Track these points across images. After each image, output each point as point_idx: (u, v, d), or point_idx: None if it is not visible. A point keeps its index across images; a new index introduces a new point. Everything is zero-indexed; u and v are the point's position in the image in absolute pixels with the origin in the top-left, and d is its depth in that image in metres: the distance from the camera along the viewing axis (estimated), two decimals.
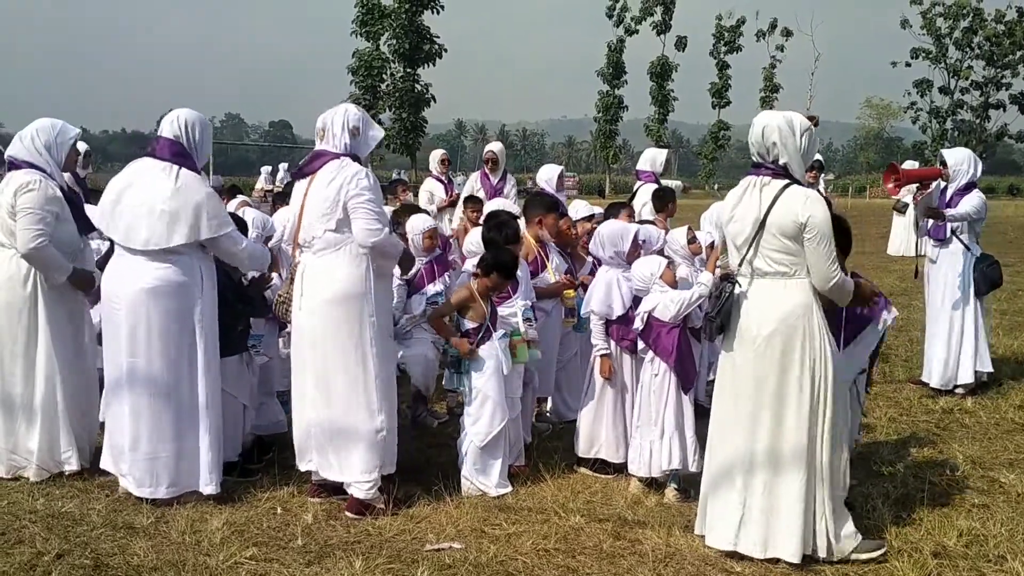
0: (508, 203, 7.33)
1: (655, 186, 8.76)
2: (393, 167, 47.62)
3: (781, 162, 4.10)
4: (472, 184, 9.94)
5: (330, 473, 4.80)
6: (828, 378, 4.09)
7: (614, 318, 5.34)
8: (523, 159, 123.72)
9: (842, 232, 4.34)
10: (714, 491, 4.33)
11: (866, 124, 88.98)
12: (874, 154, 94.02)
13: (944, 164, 7.34)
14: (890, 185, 6.79)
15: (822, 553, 4.11)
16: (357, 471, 4.70)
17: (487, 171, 9.83)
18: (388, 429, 4.76)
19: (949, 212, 7.09)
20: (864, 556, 4.15)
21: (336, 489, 4.86)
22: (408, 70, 43.88)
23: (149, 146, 4.94)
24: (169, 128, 4.84)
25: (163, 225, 4.67)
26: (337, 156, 4.71)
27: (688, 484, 5.01)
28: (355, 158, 4.74)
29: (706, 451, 4.45)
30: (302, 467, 4.92)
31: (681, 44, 60.12)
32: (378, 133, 4.93)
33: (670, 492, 5.00)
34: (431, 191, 10.65)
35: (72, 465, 5.15)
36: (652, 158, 9.30)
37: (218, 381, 4.92)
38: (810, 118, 4.33)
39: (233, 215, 5.34)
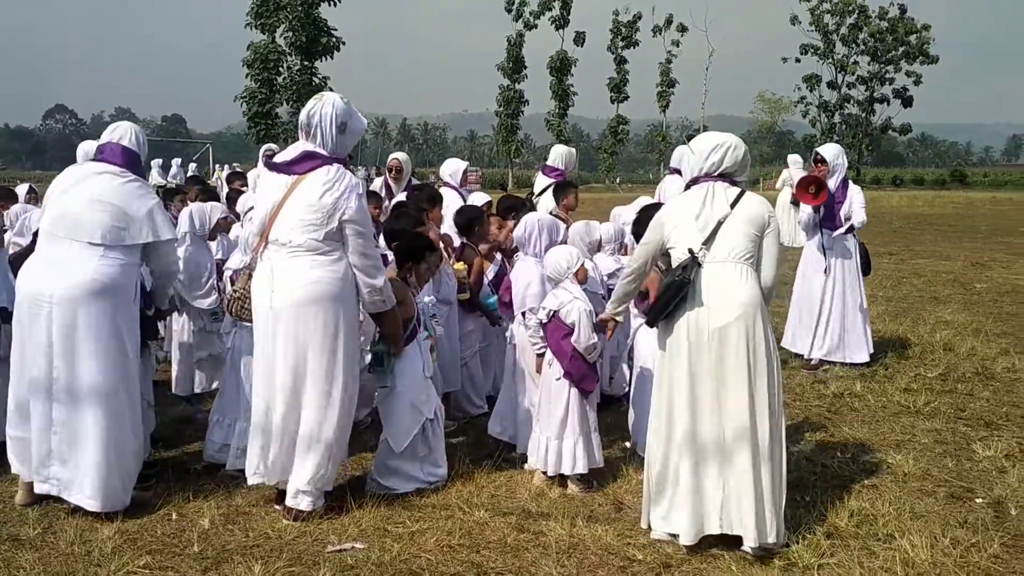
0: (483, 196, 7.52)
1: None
2: None
3: (740, 178, 4.39)
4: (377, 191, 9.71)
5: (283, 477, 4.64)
6: (778, 361, 4.27)
7: None
8: (425, 153, 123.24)
9: None
10: (673, 479, 4.29)
11: (759, 118, 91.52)
12: (767, 147, 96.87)
13: (823, 160, 7.86)
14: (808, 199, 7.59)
15: (772, 538, 4.18)
16: (305, 480, 4.55)
17: (391, 180, 9.50)
18: (341, 439, 4.64)
19: (857, 222, 7.87)
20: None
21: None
22: (305, 63, 43.21)
23: (98, 150, 4.85)
24: (121, 136, 4.83)
25: (118, 221, 4.54)
26: (329, 161, 4.52)
27: (592, 476, 5.05)
28: (342, 161, 4.59)
29: (652, 440, 4.40)
30: (253, 480, 4.67)
31: (579, 39, 60.69)
32: (361, 125, 4.71)
33: (573, 484, 5.03)
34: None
35: None
36: (562, 154, 9.31)
37: (138, 386, 4.77)
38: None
39: None
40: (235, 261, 5.43)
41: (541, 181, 9.03)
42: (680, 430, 4.24)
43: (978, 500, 4.90)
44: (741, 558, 4.16)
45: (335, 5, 42.90)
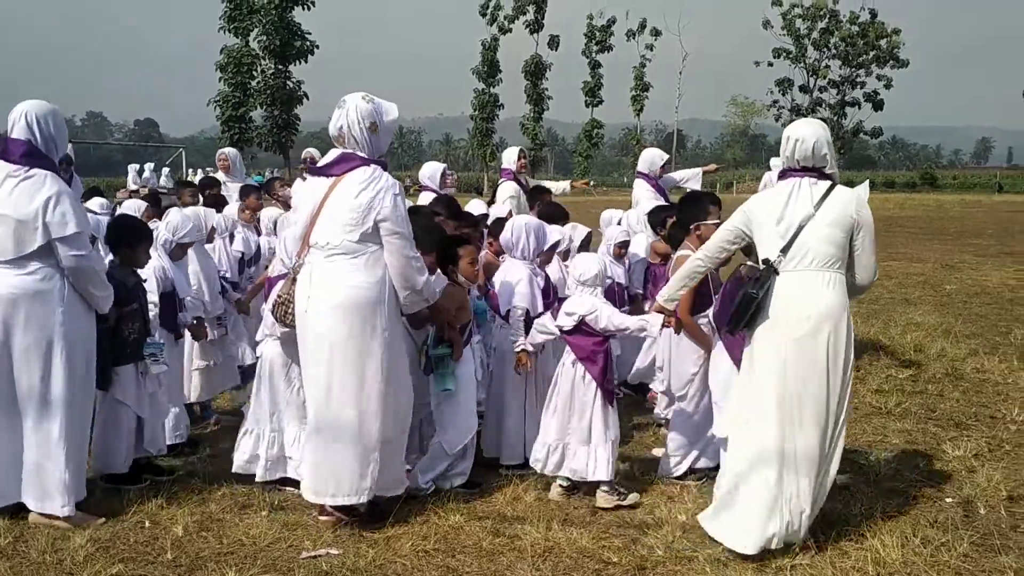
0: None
1: (512, 182, 8.92)
2: (266, 166, 46.53)
3: (829, 170, 4.27)
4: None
5: (308, 492, 4.58)
6: (852, 371, 4.27)
7: (534, 315, 5.32)
8: (400, 157, 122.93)
9: None
10: (746, 490, 4.24)
11: (732, 122, 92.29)
12: (740, 151, 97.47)
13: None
14: None
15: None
16: (346, 487, 4.49)
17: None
18: (383, 445, 4.55)
19: None
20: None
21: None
22: (279, 67, 43.05)
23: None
24: (13, 127, 4.49)
25: (17, 231, 4.38)
26: (366, 162, 4.51)
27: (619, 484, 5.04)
28: (381, 162, 4.58)
29: (730, 450, 4.39)
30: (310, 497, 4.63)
31: (554, 43, 60.78)
32: (392, 117, 4.64)
33: (603, 494, 4.91)
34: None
35: None
36: (507, 155, 9.43)
37: (87, 394, 4.70)
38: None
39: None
40: (276, 268, 5.32)
41: (504, 187, 9.09)
42: (757, 441, 4.20)
43: (948, 500, 4.96)
44: (715, 559, 4.19)
45: (309, 9, 42.77)
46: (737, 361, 4.66)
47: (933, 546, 4.30)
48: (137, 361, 5.12)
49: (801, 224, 4.14)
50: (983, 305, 11.40)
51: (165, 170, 29.25)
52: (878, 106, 61.21)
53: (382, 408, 4.51)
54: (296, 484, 4.89)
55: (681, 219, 5.58)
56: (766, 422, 4.19)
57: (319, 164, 4.72)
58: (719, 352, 5.04)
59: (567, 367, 4.99)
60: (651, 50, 65.00)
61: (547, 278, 5.67)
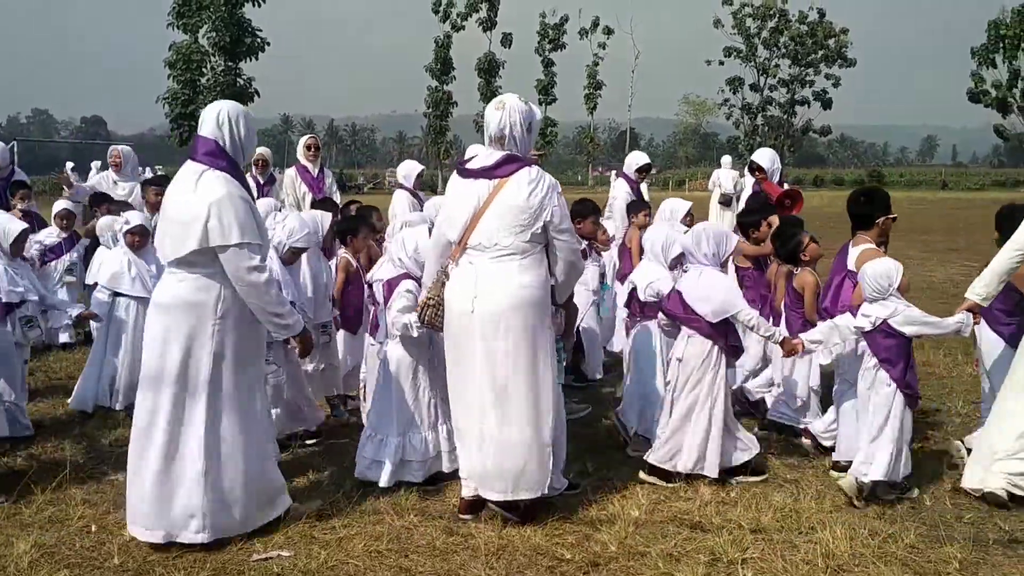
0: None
1: None
2: None
3: None
4: (291, 178, 9.72)
5: (493, 492, 4.54)
6: None
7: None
8: (353, 155, 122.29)
9: None
10: None
11: (684, 120, 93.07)
12: (692, 149, 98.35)
13: (760, 168, 8.03)
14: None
15: None
16: (524, 489, 4.49)
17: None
18: (554, 442, 4.58)
19: None
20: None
21: (483, 505, 4.66)
22: (229, 64, 42.49)
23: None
24: (206, 125, 4.34)
25: (173, 234, 4.27)
26: (528, 163, 4.52)
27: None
28: (535, 161, 4.61)
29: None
30: (467, 493, 4.68)
31: (507, 41, 60.82)
32: (539, 114, 4.73)
33: (848, 480, 4.93)
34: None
35: None
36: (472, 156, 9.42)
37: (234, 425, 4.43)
38: None
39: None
40: (385, 272, 5.24)
41: None
42: None
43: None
44: (668, 555, 4.21)
45: (259, 5, 42.27)
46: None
47: (881, 538, 4.37)
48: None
49: None
50: (929, 300, 11.57)
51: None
52: (827, 104, 61.99)
53: (554, 404, 4.57)
54: (415, 486, 4.98)
55: (861, 214, 5.68)
56: None
57: (472, 166, 4.64)
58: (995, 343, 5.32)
59: (868, 368, 5.00)
60: (604, 48, 65.44)
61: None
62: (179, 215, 4.22)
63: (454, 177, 4.74)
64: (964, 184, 63.53)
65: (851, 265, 5.47)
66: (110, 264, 6.82)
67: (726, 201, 17.92)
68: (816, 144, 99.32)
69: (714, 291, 5.13)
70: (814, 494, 4.98)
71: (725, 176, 17.84)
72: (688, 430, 5.13)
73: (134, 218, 6.94)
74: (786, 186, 8.25)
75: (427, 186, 54.55)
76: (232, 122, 4.32)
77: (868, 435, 4.92)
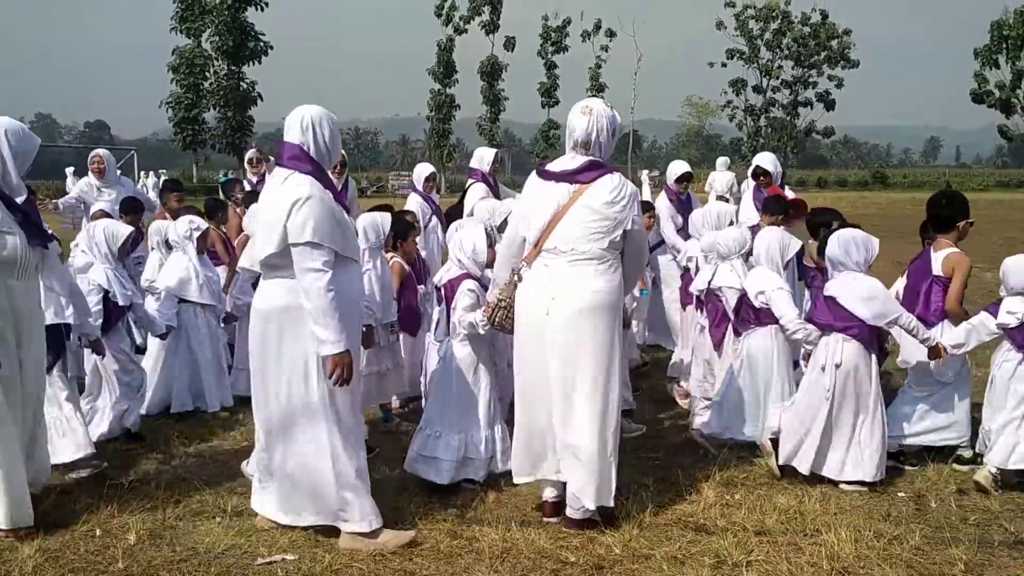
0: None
1: (483, 184, 8.92)
2: (220, 167, 46.00)
3: None
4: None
5: (569, 508, 4.58)
6: None
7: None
8: (357, 158, 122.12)
9: None
10: None
11: (687, 122, 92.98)
12: (695, 151, 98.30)
13: (766, 172, 8.05)
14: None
15: None
16: (584, 494, 4.48)
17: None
18: (614, 451, 4.55)
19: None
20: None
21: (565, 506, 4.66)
22: (232, 68, 42.61)
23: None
24: (291, 130, 4.38)
25: (260, 237, 4.33)
26: (611, 169, 4.52)
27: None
28: (617, 168, 4.62)
29: None
30: (520, 480, 4.75)
31: (510, 44, 60.80)
32: (619, 119, 4.69)
33: (983, 473, 5.09)
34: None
35: None
36: (480, 157, 9.40)
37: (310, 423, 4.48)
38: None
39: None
40: (449, 273, 5.27)
41: (474, 189, 9.07)
42: None
43: (900, 494, 5.04)
44: (672, 557, 4.21)
45: (262, 9, 42.38)
46: None
47: (886, 539, 4.36)
48: None
49: None
50: None
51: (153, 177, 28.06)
52: (830, 106, 61.92)
53: (619, 409, 4.59)
54: (474, 482, 5.07)
55: (943, 216, 5.67)
56: None
57: (553, 168, 4.62)
58: None
59: (1008, 361, 5.17)
60: (606, 51, 65.28)
61: None
62: (266, 217, 4.30)
63: (533, 178, 4.73)
64: (968, 185, 63.27)
65: (936, 270, 5.49)
66: (175, 270, 6.65)
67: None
68: (819, 145, 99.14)
69: (875, 294, 5.20)
70: (819, 496, 4.97)
71: (720, 179, 17.76)
72: (844, 433, 5.18)
73: (199, 221, 6.79)
74: (787, 189, 8.25)
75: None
76: (316, 126, 4.34)
77: (1010, 424, 5.05)
